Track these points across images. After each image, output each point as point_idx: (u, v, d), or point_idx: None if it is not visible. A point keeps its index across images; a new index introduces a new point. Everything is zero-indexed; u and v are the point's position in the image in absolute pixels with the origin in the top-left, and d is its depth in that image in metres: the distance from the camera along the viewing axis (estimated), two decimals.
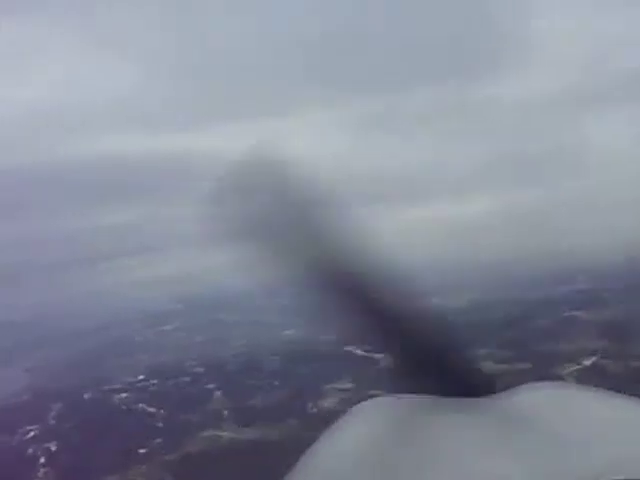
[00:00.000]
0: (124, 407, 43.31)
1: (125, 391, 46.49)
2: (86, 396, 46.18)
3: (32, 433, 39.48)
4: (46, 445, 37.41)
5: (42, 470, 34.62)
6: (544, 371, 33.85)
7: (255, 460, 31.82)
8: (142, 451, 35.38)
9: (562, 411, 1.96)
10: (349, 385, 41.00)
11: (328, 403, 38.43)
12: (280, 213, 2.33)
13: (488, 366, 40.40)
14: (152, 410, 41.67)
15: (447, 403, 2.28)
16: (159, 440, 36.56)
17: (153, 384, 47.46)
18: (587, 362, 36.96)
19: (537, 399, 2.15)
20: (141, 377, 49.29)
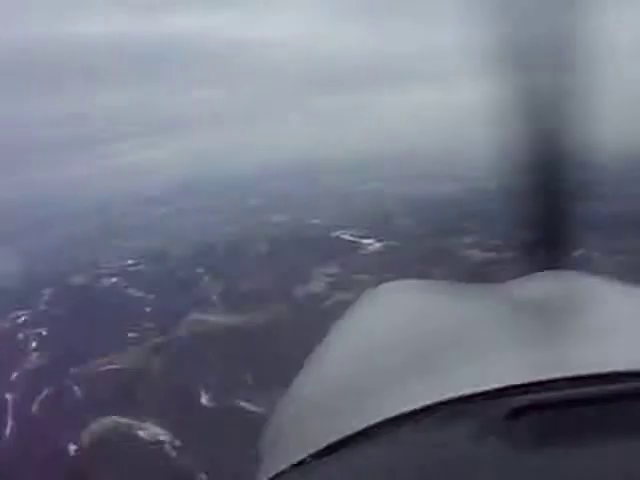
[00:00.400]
0: (113, 291, 43.88)
1: (114, 275, 46.99)
2: (77, 280, 46.72)
3: (23, 318, 40.19)
4: (37, 330, 38.15)
5: (34, 354, 35.39)
6: (531, 260, 33.64)
7: (242, 343, 32.57)
8: (132, 335, 36.07)
9: (576, 299, 2.01)
10: (336, 270, 41.27)
11: (315, 287, 38.72)
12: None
13: (475, 254, 40.65)
14: (141, 294, 42.21)
15: (459, 288, 2.36)
16: (149, 324, 37.20)
17: (142, 269, 47.91)
18: (575, 254, 36.64)
19: (551, 286, 2.19)
20: (131, 261, 49.67)
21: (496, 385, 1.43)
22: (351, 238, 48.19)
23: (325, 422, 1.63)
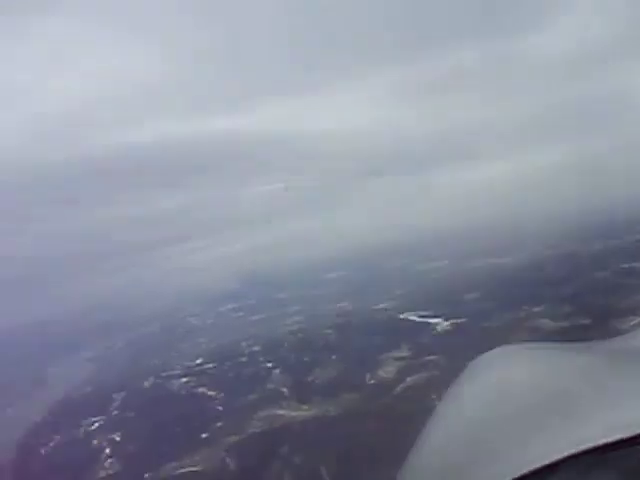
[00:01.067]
0: (184, 392, 43.67)
1: (184, 376, 46.92)
2: (147, 384, 46.80)
3: (96, 424, 40.25)
4: (110, 436, 38.05)
5: (108, 461, 35.14)
6: (605, 326, 32.35)
7: (316, 436, 31.70)
8: (204, 436, 35.54)
9: None
10: (406, 353, 40.31)
11: (386, 373, 37.77)
12: None
13: (546, 324, 39.30)
14: (212, 393, 41.91)
15: (572, 348, 2.36)
16: (220, 423, 36.69)
17: (211, 367, 47.77)
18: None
19: None
20: (199, 361, 49.71)
21: (628, 434, 1.36)
22: (418, 319, 47.38)
23: None
